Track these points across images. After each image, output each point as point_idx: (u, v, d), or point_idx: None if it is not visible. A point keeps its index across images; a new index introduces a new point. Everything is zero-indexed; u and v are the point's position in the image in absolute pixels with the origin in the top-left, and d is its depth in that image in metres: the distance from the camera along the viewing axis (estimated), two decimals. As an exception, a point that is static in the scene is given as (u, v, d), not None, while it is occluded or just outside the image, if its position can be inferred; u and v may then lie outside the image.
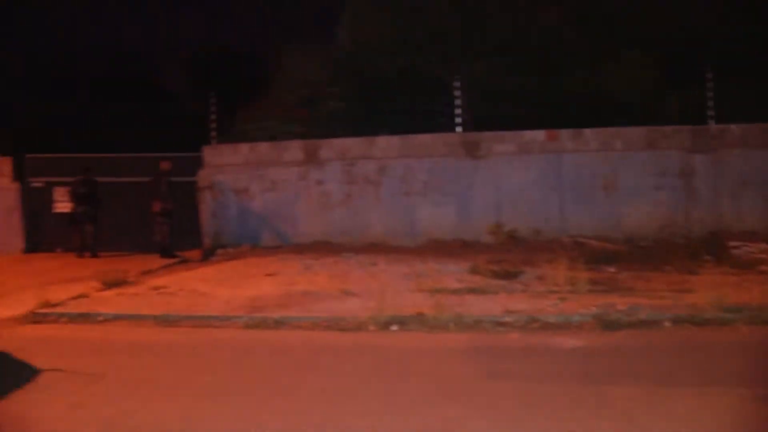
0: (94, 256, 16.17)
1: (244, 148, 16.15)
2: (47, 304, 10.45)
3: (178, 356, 7.86)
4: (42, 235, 17.75)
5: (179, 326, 9.28)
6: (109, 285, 11.96)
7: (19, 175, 17.64)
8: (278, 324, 9.05)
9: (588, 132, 15.12)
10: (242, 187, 16.02)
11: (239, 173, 16.03)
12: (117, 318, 9.74)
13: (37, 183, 17.67)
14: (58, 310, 10.24)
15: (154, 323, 9.43)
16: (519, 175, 15.28)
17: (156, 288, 11.62)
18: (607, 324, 8.34)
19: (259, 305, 9.88)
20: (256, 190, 15.97)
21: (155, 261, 14.99)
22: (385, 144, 15.56)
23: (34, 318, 9.95)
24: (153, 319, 9.53)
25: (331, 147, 15.75)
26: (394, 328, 8.64)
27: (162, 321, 9.45)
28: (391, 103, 17.20)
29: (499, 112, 17.10)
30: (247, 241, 15.76)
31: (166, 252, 15.51)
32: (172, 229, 15.73)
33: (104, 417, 5.77)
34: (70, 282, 12.61)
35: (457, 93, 15.78)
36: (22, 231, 17.61)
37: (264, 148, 16.08)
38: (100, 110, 20.73)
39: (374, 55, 17.50)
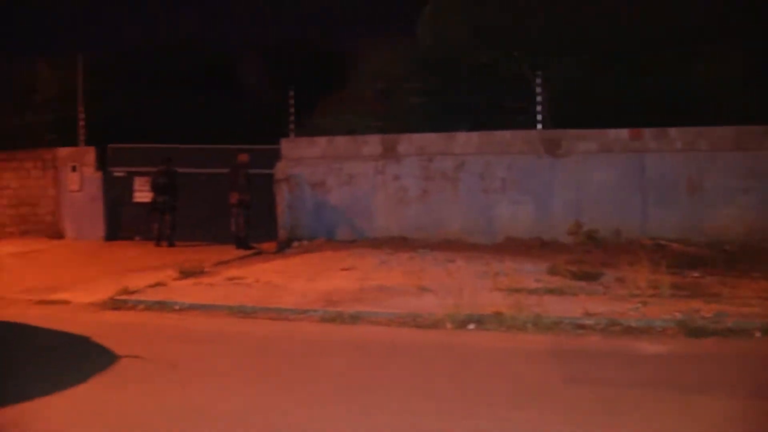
0: (171, 245, 16.39)
1: (321, 141, 16.17)
2: (126, 291, 10.63)
3: (254, 348, 7.85)
4: (122, 223, 18.10)
5: (254, 318, 9.30)
6: (186, 274, 12.08)
7: (102, 164, 17.99)
8: (354, 319, 8.98)
9: (673, 131, 14.71)
10: (319, 181, 16.04)
11: (316, 166, 16.05)
12: (193, 308, 9.80)
13: (118, 172, 18.02)
14: (136, 297, 10.39)
15: (229, 314, 9.47)
16: (600, 174, 14.96)
17: (231, 279, 11.68)
18: (691, 331, 8.04)
19: (335, 299, 9.84)
20: (333, 183, 15.98)
21: (231, 252, 15.11)
22: (464, 140, 15.40)
23: (114, 304, 10.12)
24: (228, 310, 9.57)
25: (410, 142, 15.64)
26: (471, 326, 8.50)
27: (237, 312, 9.48)
28: (471, 98, 17.01)
29: (580, 109, 16.78)
30: (323, 235, 15.77)
31: (241, 243, 15.61)
32: (249, 220, 15.82)
33: (179, 406, 5.76)
34: (148, 270, 12.79)
35: (538, 89, 15.54)
36: (104, 219, 17.96)
37: (342, 141, 16.08)
38: (181, 102, 21.01)
39: (455, 50, 17.32)
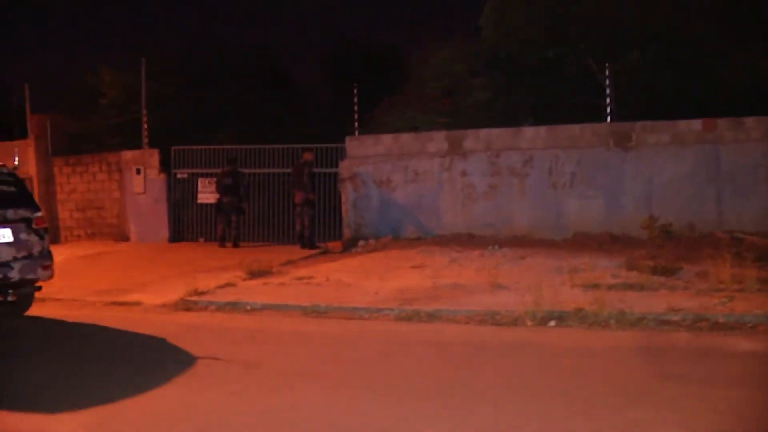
0: (236, 246, 16.32)
1: (386, 138, 15.94)
2: (196, 292, 10.56)
3: (332, 348, 7.68)
4: (185, 224, 18.12)
5: (328, 317, 9.15)
6: (254, 275, 11.99)
7: (165, 166, 18.03)
8: (431, 317, 8.78)
9: (749, 120, 14.17)
10: (384, 178, 15.82)
11: (381, 164, 15.83)
12: (265, 308, 9.70)
13: (181, 174, 18.02)
14: (207, 298, 10.33)
15: (302, 314, 9.33)
16: (672, 166, 14.49)
17: (301, 278, 11.54)
18: (786, 327, 7.69)
19: (409, 297, 9.64)
20: (399, 181, 15.75)
21: (296, 252, 15.01)
22: (532, 134, 15.06)
23: (185, 305, 10.09)
24: (301, 310, 9.43)
25: (476, 137, 15.33)
26: (552, 323, 8.24)
27: (311, 312, 9.33)
28: (537, 93, 16.67)
29: (649, 102, 16.32)
30: (388, 233, 15.53)
31: (307, 243, 15.49)
32: (313, 220, 15.71)
33: (264, 407, 5.62)
34: (215, 271, 12.74)
35: (607, 82, 15.16)
36: (167, 221, 18.00)
37: (407, 138, 15.83)
38: (242, 103, 21.05)
39: (519, 45, 16.98)
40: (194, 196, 17.90)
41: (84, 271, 13.71)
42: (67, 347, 8.15)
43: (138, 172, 18.25)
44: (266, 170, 17.24)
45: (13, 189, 9.35)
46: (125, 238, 18.45)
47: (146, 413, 5.62)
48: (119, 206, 18.72)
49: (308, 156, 15.75)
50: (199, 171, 17.77)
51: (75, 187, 19.39)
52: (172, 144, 18.02)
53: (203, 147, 17.71)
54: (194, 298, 10.32)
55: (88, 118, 20.63)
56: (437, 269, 11.84)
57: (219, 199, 16.62)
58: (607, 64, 15.23)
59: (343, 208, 16.14)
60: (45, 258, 9.35)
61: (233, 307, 9.84)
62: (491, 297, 9.52)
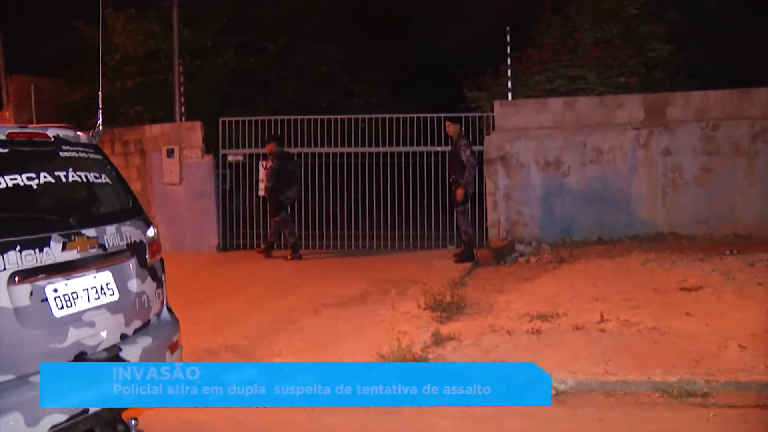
0: (298, 257, 12.54)
1: (555, 104, 12.37)
2: (414, 358, 6.64)
3: None
4: (239, 227, 14.11)
5: (713, 403, 5.49)
6: (445, 310, 8.15)
7: (213, 145, 13.91)
8: None
9: None
10: (551, 159, 12.26)
11: (547, 139, 12.25)
12: (579, 388, 5.94)
13: (234, 156, 13.93)
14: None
15: (663, 399, 5.66)
16: None
17: (544, 317, 7.64)
18: None
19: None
20: (573, 162, 12.23)
21: (431, 265, 11.28)
22: (765, 98, 11.71)
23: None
24: (659, 391, 5.73)
25: (686, 103, 11.95)
26: None
27: (679, 394, 5.63)
28: (746, 43, 13.35)
29: None
30: (555, 233, 12.14)
31: (465, 252, 11.68)
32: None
33: None
34: (352, 303, 9.15)
35: None
36: (217, 222, 13.91)
37: (586, 104, 12.30)
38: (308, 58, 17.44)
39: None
40: (252, 188, 13.86)
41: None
42: None
43: (170, 154, 13.98)
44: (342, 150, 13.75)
45: (106, 181, 4.86)
46: (149, 246, 14.36)
47: None
48: (141, 201, 14.57)
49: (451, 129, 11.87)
50: (261, 151, 13.66)
51: (76, 174, 15.25)
52: (215, 115, 14.02)
53: (266, 117, 13.70)
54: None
55: (92, 81, 16.42)
56: (738, 295, 8.23)
57: (283, 193, 12.63)
58: None
59: (489, 199, 12.55)
60: (169, 326, 4.93)
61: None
62: None
